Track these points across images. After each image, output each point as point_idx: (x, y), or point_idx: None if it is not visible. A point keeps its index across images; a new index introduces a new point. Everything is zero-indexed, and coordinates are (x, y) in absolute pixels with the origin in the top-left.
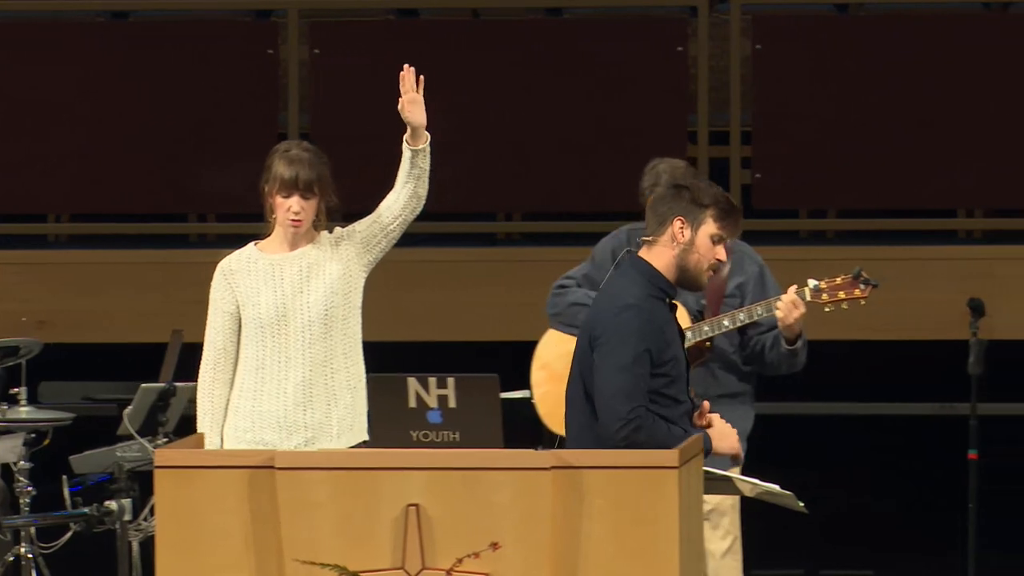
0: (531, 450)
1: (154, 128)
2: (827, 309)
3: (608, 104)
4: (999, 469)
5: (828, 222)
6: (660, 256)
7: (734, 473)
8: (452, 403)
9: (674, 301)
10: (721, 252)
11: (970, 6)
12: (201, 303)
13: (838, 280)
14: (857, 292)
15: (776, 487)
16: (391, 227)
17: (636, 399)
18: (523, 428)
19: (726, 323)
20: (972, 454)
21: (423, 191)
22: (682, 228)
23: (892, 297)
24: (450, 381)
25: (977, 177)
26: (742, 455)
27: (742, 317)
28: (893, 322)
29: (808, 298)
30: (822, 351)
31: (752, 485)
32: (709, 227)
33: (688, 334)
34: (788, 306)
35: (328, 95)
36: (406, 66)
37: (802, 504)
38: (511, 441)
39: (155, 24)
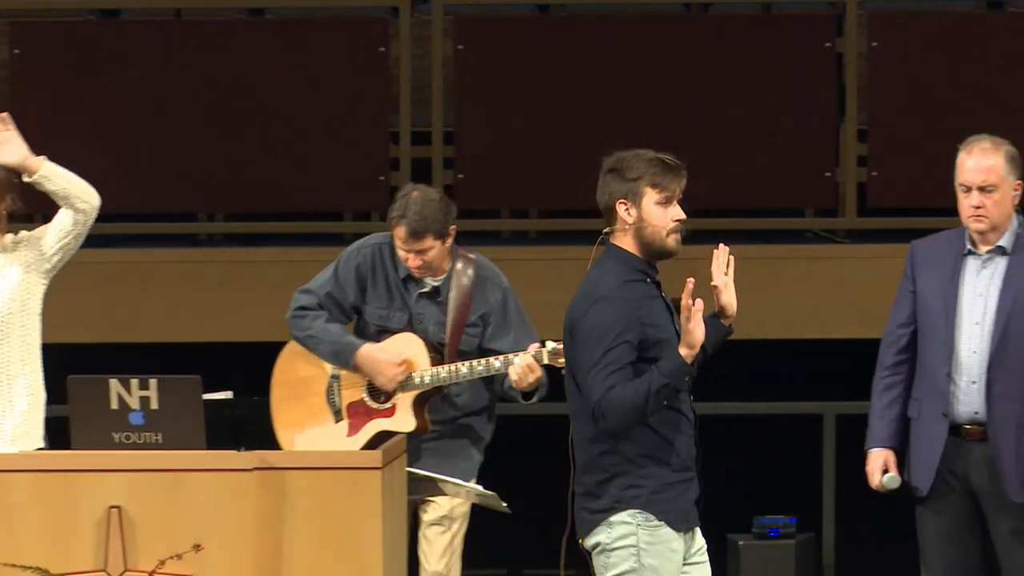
0: (234, 451)
1: None
2: (564, 372)
3: (311, 104)
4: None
5: (530, 222)
6: (624, 240)
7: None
8: (154, 404)
9: (657, 280)
10: (676, 212)
11: (671, 7)
12: None
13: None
14: None
15: (480, 487)
16: (66, 240)
17: (599, 393)
18: (226, 429)
19: (464, 372)
20: None
21: (83, 204)
22: (627, 209)
23: None
24: (152, 383)
25: None
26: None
27: (480, 368)
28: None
29: (546, 360)
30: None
31: (455, 485)
32: (650, 197)
33: (425, 377)
34: (523, 371)
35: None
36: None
37: (505, 504)
38: (214, 442)
39: None
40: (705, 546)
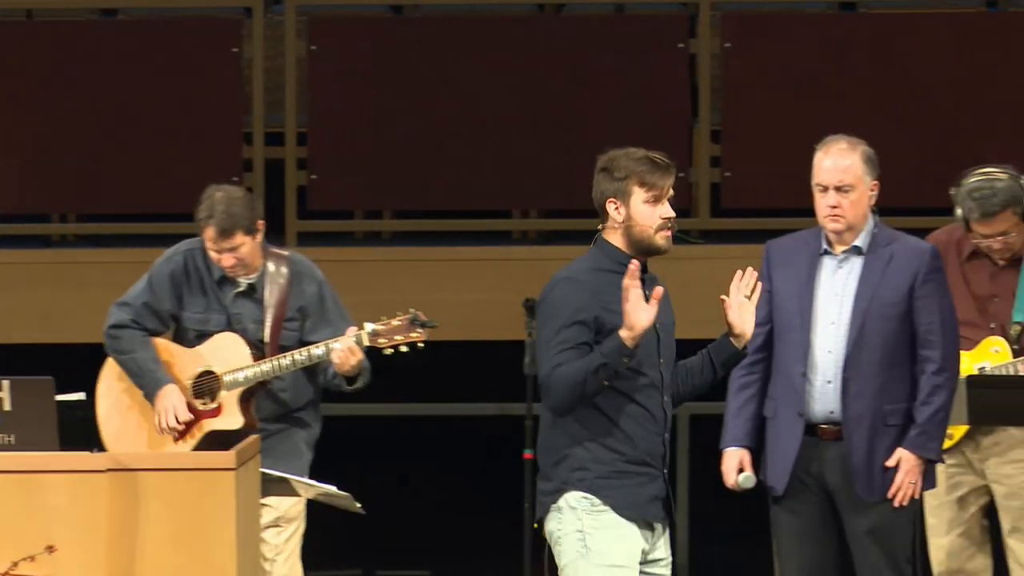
0: (87, 452)
1: None
2: (386, 352)
3: (164, 105)
4: None
5: (384, 223)
6: (615, 237)
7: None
8: (7, 406)
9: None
10: (665, 210)
11: (524, 8)
12: None
13: (395, 323)
14: (414, 335)
15: (333, 488)
16: None
17: (546, 370)
18: (79, 431)
19: (286, 363)
20: (528, 454)
21: None
22: (616, 208)
23: (450, 298)
24: (4, 383)
25: (531, 179)
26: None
27: (301, 358)
28: (451, 323)
29: (366, 343)
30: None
31: (309, 486)
32: (638, 196)
33: (249, 373)
34: (345, 354)
35: None
36: None
37: (359, 505)
38: (67, 444)
39: None
40: (669, 559)
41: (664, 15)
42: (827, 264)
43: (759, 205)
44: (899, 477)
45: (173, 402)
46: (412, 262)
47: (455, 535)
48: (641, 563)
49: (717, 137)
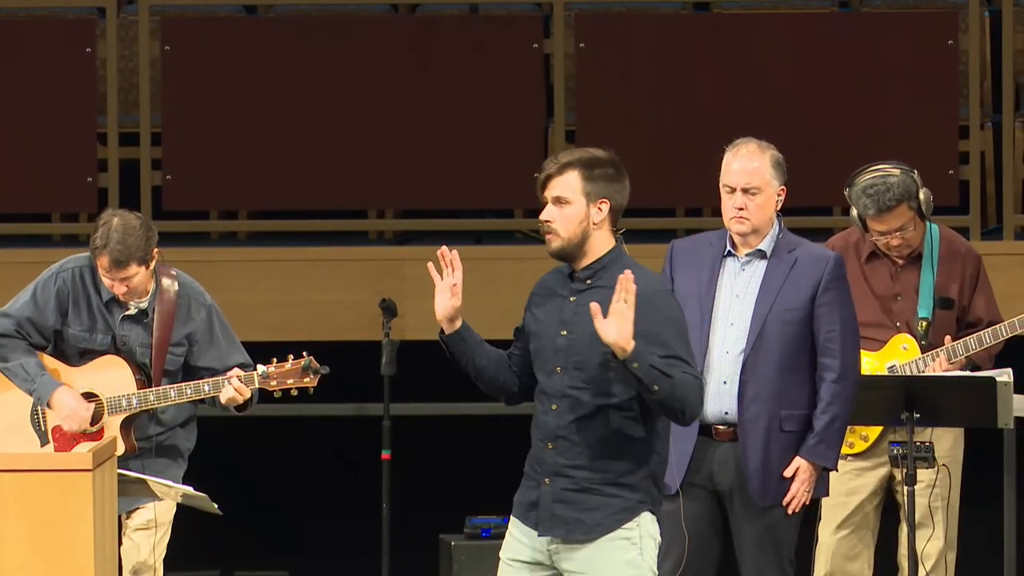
0: None
1: None
2: (276, 395)
3: (17, 105)
4: (411, 470)
5: (239, 223)
6: None
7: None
8: None
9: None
10: (544, 213)
11: (379, 8)
12: None
13: (287, 366)
14: (307, 381)
15: (190, 489)
16: None
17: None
18: None
19: (172, 395)
20: (385, 454)
21: None
22: None
23: (306, 299)
24: None
25: (388, 178)
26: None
27: (189, 391)
28: (308, 323)
29: (256, 385)
30: None
31: (167, 487)
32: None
33: (134, 401)
34: (234, 396)
35: None
36: None
37: (216, 506)
38: None
39: None
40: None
41: (518, 15)
42: (730, 266)
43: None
44: (795, 485)
45: (74, 405)
46: (268, 262)
47: (313, 535)
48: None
49: (572, 137)
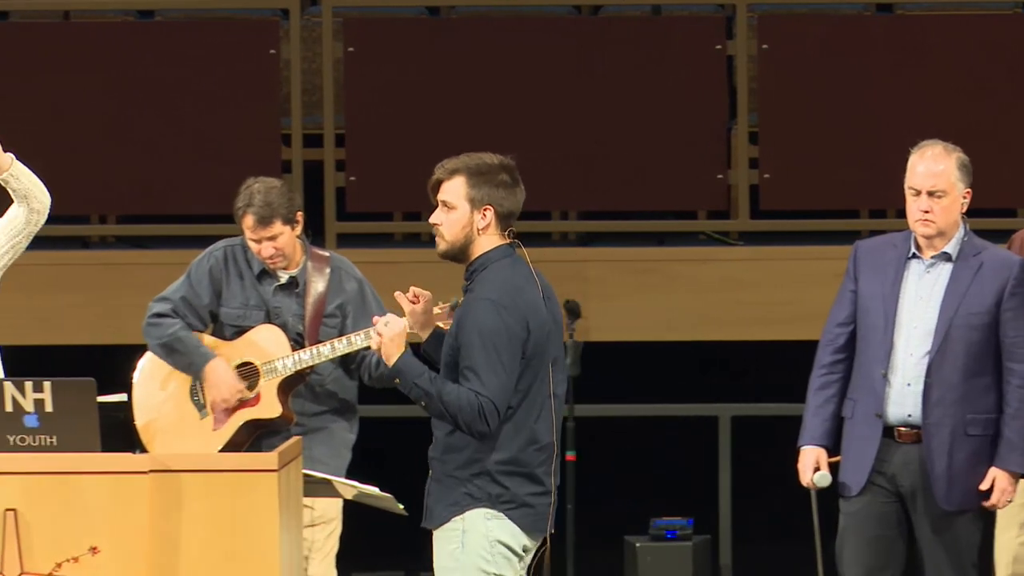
0: (129, 454)
1: None
2: None
3: (201, 107)
4: (595, 470)
5: (422, 225)
6: None
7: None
8: (48, 407)
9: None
10: (433, 216)
11: (560, 9)
12: None
13: (436, 310)
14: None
15: (376, 489)
16: (17, 239)
17: None
18: (120, 432)
19: (325, 351)
20: (570, 455)
21: (38, 204)
22: None
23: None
24: (46, 385)
25: (571, 179)
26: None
27: (341, 346)
28: None
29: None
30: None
31: (351, 487)
32: None
33: (287, 362)
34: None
35: None
36: None
37: (402, 506)
38: (108, 445)
39: None
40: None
41: (701, 17)
42: (914, 268)
43: (797, 207)
44: (995, 496)
45: (225, 374)
46: (450, 263)
47: None
48: None
49: (755, 139)
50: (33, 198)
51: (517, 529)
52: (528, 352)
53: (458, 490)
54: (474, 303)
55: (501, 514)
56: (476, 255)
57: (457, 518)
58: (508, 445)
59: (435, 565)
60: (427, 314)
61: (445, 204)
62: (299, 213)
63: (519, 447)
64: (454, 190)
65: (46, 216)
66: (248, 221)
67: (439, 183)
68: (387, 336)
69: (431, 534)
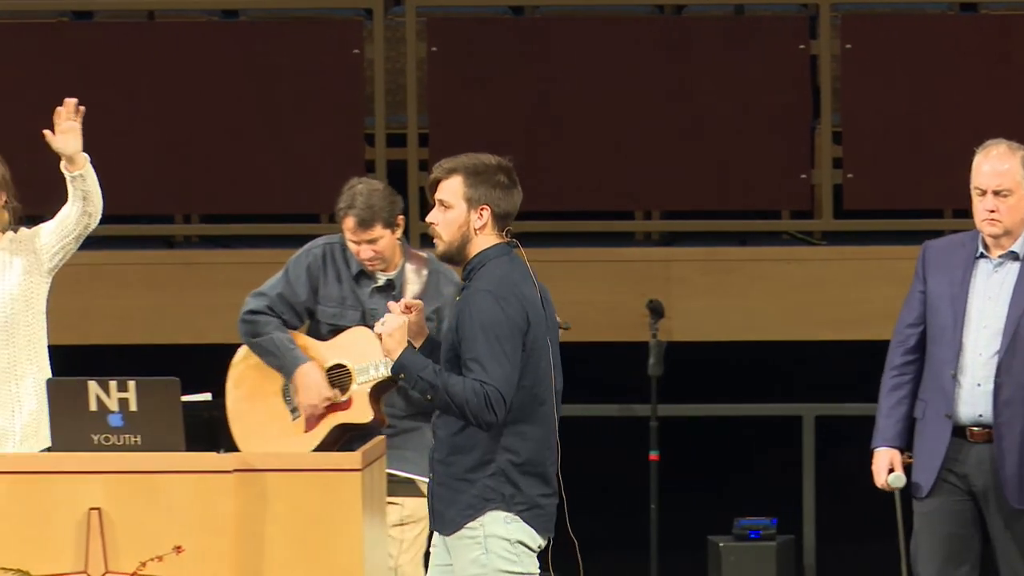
0: (213, 453)
1: None
2: None
3: (285, 107)
4: (678, 470)
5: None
6: None
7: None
8: (133, 406)
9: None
10: (430, 215)
11: (643, 8)
12: None
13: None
14: None
15: None
16: (67, 239)
17: None
18: (205, 431)
19: None
20: (653, 455)
21: (93, 208)
22: None
23: (572, 299)
24: (131, 384)
25: (653, 179)
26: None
27: None
28: (574, 324)
29: None
30: None
31: None
32: None
33: (381, 367)
34: None
35: None
36: (67, 99)
37: None
38: (193, 444)
39: None
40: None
41: (784, 16)
42: (983, 268)
43: (880, 206)
44: None
45: (316, 379)
46: (539, 263)
47: (580, 536)
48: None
49: (839, 138)
50: (90, 201)
51: (532, 530)
52: (528, 345)
53: (469, 492)
54: (472, 296)
55: (516, 516)
56: (473, 254)
57: (474, 523)
58: (522, 445)
59: (457, 574)
60: (420, 323)
61: (442, 203)
62: (400, 216)
63: (533, 447)
64: (451, 189)
65: (97, 221)
66: (349, 223)
67: (437, 182)
68: (387, 332)
69: None
